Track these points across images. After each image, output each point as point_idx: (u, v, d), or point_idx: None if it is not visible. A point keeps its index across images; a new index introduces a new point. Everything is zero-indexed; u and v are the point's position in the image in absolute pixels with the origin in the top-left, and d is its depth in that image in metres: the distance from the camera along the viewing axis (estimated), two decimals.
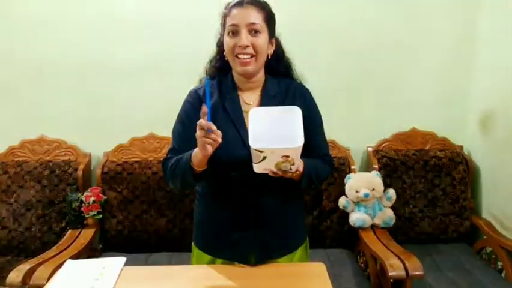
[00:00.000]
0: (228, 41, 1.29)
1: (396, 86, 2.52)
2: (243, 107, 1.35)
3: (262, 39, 1.29)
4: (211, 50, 1.45)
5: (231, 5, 1.30)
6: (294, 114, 1.18)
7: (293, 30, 1.46)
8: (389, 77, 2.50)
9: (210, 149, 1.17)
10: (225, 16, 1.31)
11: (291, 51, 1.46)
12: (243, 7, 1.27)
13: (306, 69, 1.48)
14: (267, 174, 1.25)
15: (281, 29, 1.41)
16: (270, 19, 1.32)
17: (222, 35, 1.35)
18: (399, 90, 2.52)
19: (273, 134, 1.14)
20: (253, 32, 1.27)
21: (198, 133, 1.16)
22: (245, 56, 1.27)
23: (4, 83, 2.49)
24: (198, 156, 1.21)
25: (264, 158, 1.12)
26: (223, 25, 1.32)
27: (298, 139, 1.13)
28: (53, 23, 2.41)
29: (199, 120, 1.15)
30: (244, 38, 1.26)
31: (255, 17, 1.27)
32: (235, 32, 1.27)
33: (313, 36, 2.41)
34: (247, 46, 1.26)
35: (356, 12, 2.42)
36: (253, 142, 1.11)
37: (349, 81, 2.50)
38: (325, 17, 2.41)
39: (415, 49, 2.47)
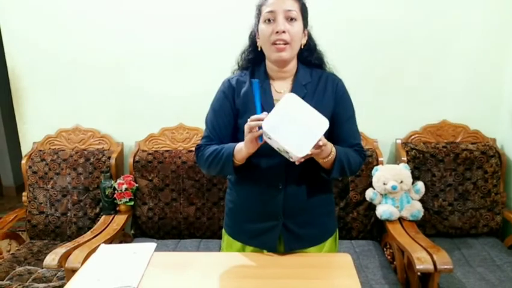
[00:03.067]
0: (264, 29, 1.31)
1: (427, 77, 2.46)
2: (274, 96, 1.38)
3: (298, 27, 1.31)
4: (239, 43, 1.47)
5: None
6: (320, 125, 1.18)
7: (323, 22, 1.45)
8: (419, 67, 2.45)
9: (256, 146, 1.22)
10: (260, 6, 1.34)
11: (320, 42, 1.46)
12: None
13: (335, 61, 1.48)
14: (295, 167, 1.28)
15: (311, 21, 1.41)
16: (304, 9, 1.35)
17: (256, 26, 1.37)
18: (430, 82, 2.46)
19: (289, 127, 1.16)
20: (290, 19, 1.29)
21: (247, 130, 1.20)
22: (281, 43, 1.29)
23: (43, 76, 2.57)
24: (243, 152, 1.26)
25: (269, 138, 1.17)
26: (259, 15, 1.34)
27: (303, 149, 1.15)
28: (90, 19, 2.47)
29: (250, 118, 1.20)
30: (281, 23, 1.28)
31: (291, 4, 1.29)
32: (271, 20, 1.29)
33: (342, 27, 2.38)
34: (284, 32, 1.28)
35: (386, 3, 2.37)
36: (267, 126, 1.15)
37: (378, 72, 2.46)
38: (354, 8, 2.38)
39: (447, 39, 2.41)
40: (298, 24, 1.31)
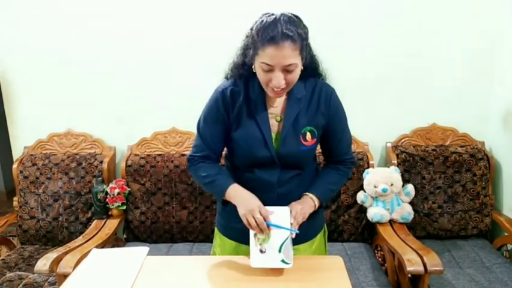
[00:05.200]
0: (261, 74, 1.25)
1: (417, 81, 2.49)
2: (269, 109, 1.36)
3: (297, 72, 1.24)
4: (232, 48, 1.41)
5: (263, 36, 1.18)
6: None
7: (315, 27, 1.45)
8: (409, 72, 2.48)
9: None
10: (256, 45, 1.22)
11: (313, 45, 1.42)
12: (278, 45, 1.16)
13: (326, 65, 1.45)
14: (286, 173, 1.38)
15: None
16: (304, 45, 1.24)
17: (252, 56, 1.27)
18: (420, 86, 2.50)
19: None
20: (288, 70, 1.21)
21: (257, 217, 1.25)
22: (278, 89, 1.25)
23: (34, 80, 2.57)
24: (236, 202, 1.32)
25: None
26: (255, 52, 1.24)
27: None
28: (81, 20, 2.47)
29: (264, 213, 1.26)
30: (280, 79, 1.21)
31: (290, 56, 1.18)
32: (269, 70, 1.22)
33: (333, 32, 2.40)
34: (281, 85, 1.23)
35: (376, 8, 2.40)
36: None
37: (369, 77, 2.49)
38: (346, 14, 2.41)
39: (437, 44, 2.44)
40: (297, 69, 1.23)
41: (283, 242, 1.27)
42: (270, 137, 1.34)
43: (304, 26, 1.25)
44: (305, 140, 1.35)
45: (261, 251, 1.28)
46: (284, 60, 1.19)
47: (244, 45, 1.32)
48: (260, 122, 1.34)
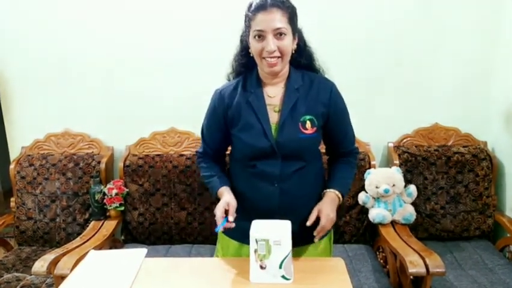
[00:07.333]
0: (254, 45, 1.32)
1: (418, 81, 2.48)
2: (267, 101, 1.39)
3: (288, 40, 1.31)
4: (230, 47, 1.48)
5: (254, 7, 1.30)
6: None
7: (314, 24, 1.45)
8: (411, 71, 2.47)
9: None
10: (249, 19, 1.32)
11: (313, 44, 1.47)
12: (267, 11, 1.27)
13: (327, 64, 1.49)
14: (288, 166, 1.38)
15: (303, 22, 1.41)
16: (293, 17, 1.33)
17: (246, 34, 1.37)
18: (422, 85, 2.48)
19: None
20: (279, 35, 1.28)
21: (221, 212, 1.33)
22: (272, 59, 1.30)
23: (32, 79, 2.55)
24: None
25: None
26: (248, 27, 1.33)
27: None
28: (79, 20, 2.45)
29: (229, 207, 1.34)
30: (271, 43, 1.28)
31: (279, 21, 1.27)
32: (261, 36, 1.29)
33: (334, 30, 2.39)
34: (274, 51, 1.29)
35: (377, 7, 2.39)
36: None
37: (370, 76, 2.48)
38: (347, 11, 2.40)
39: (438, 44, 2.43)
40: (288, 38, 1.31)
41: (284, 258, 1.26)
42: (269, 126, 1.36)
43: (292, 5, 1.33)
44: (305, 128, 1.36)
45: (261, 267, 1.27)
46: (273, 23, 1.27)
47: (241, 34, 1.42)
48: (259, 113, 1.37)
